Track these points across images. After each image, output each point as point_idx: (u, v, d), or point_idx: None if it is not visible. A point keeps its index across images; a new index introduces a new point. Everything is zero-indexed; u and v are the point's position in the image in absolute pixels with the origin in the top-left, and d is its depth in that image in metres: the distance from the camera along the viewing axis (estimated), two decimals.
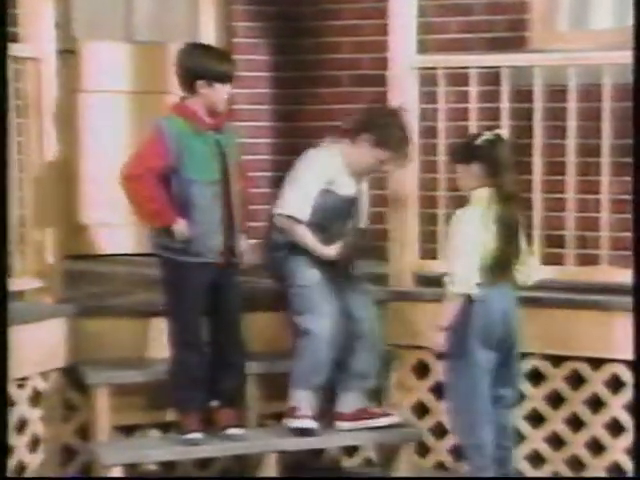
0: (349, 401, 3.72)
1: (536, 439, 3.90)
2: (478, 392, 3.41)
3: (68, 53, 4.68)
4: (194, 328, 3.56)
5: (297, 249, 3.67)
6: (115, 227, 4.66)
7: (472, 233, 3.36)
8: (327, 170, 3.67)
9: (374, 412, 3.74)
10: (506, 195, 3.39)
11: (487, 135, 3.44)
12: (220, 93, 3.51)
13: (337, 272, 3.71)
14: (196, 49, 3.64)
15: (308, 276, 3.67)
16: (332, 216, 3.68)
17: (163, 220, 3.47)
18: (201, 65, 3.50)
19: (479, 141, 3.42)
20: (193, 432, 3.56)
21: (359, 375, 3.72)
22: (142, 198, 3.45)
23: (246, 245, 3.62)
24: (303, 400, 3.66)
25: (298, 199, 3.64)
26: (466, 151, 3.46)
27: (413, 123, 3.97)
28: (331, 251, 3.66)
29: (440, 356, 3.47)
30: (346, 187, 3.70)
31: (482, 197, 3.41)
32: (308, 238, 3.65)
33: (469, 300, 3.37)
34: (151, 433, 3.82)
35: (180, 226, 3.46)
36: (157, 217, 3.48)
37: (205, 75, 3.48)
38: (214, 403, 3.62)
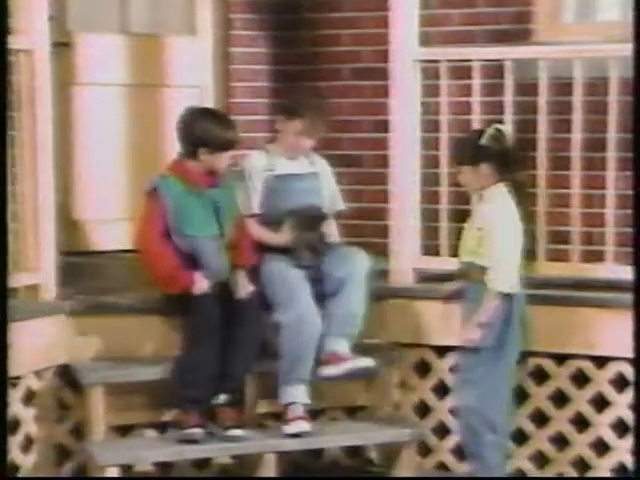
0: (328, 346, 3.67)
1: (540, 439, 3.84)
2: (505, 388, 3.42)
3: (62, 46, 4.60)
4: (210, 324, 3.52)
5: (264, 247, 3.74)
6: (111, 223, 4.60)
7: (512, 230, 3.37)
8: (263, 162, 3.79)
9: (346, 356, 3.67)
10: (521, 188, 3.39)
11: (490, 131, 3.40)
12: (222, 160, 3.60)
13: (304, 254, 3.72)
14: (200, 116, 3.66)
15: (277, 270, 3.69)
16: (284, 202, 3.76)
17: (182, 282, 3.54)
18: (205, 133, 3.57)
19: (484, 140, 3.39)
20: (193, 428, 3.50)
21: (340, 322, 3.67)
22: (158, 267, 3.55)
23: (244, 281, 3.65)
24: (293, 397, 3.62)
25: (246, 195, 3.76)
26: (472, 152, 3.42)
27: (415, 117, 3.92)
28: (281, 237, 3.72)
29: (469, 352, 3.43)
30: (288, 170, 3.80)
31: (502, 192, 3.38)
32: (259, 231, 3.75)
33: (509, 296, 3.37)
34: (147, 433, 3.76)
35: (200, 283, 3.53)
36: (176, 281, 3.54)
37: (208, 144, 3.55)
38: (221, 398, 3.56)
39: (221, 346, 3.55)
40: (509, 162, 3.39)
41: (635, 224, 3.28)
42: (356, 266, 3.71)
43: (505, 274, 3.36)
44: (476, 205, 3.51)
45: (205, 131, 3.56)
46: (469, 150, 3.44)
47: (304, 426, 3.62)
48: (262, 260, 3.73)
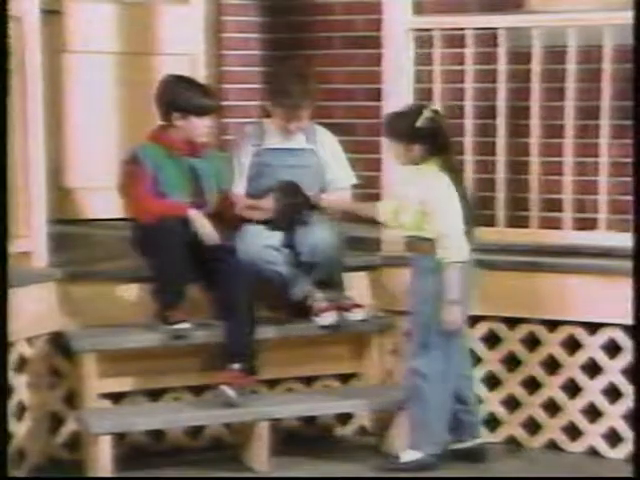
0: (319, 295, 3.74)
1: (532, 406, 3.86)
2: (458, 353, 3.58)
3: (53, 13, 4.57)
4: (173, 243, 3.53)
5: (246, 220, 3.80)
6: (101, 190, 4.57)
7: (451, 203, 3.45)
8: (253, 138, 3.82)
9: (341, 305, 3.76)
10: (452, 168, 3.48)
11: (427, 113, 3.46)
12: (196, 126, 3.61)
13: (284, 224, 3.76)
14: (175, 81, 3.68)
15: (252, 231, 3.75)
16: (270, 177, 3.78)
17: (178, 210, 3.56)
18: (177, 97, 3.58)
19: (420, 122, 3.44)
20: (180, 322, 3.54)
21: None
22: (154, 210, 3.57)
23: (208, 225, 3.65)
24: (302, 292, 3.72)
25: (235, 173, 3.81)
26: (407, 131, 3.48)
27: (408, 86, 3.92)
28: (262, 212, 3.76)
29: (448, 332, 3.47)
30: (278, 144, 3.81)
31: (435, 169, 3.47)
32: (244, 202, 3.79)
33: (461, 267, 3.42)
34: (140, 400, 3.75)
35: (194, 214, 3.56)
36: (173, 209, 3.57)
37: (180, 107, 3.57)
38: (234, 366, 3.56)
39: (221, 318, 3.59)
40: (441, 144, 3.46)
41: (635, 192, 3.31)
42: (317, 243, 3.70)
43: (455, 244, 3.42)
44: (411, 181, 3.54)
45: (177, 95, 3.58)
46: (404, 129, 3.49)
47: (333, 316, 3.70)
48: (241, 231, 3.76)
